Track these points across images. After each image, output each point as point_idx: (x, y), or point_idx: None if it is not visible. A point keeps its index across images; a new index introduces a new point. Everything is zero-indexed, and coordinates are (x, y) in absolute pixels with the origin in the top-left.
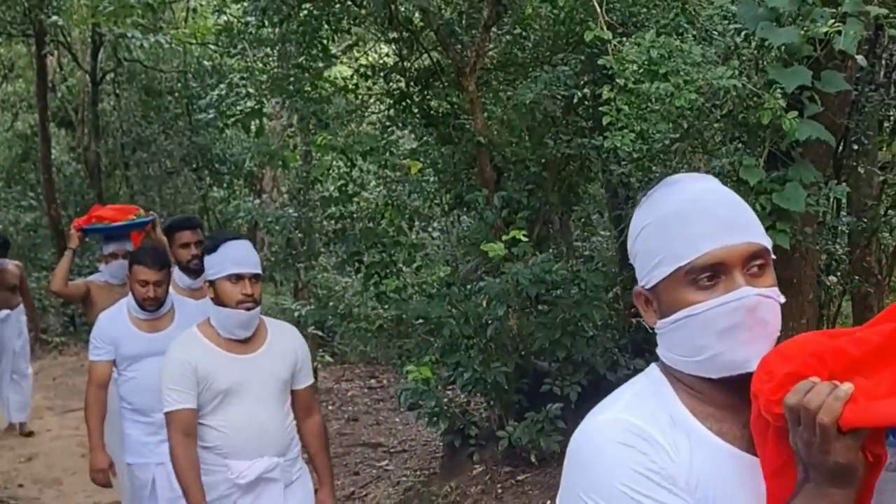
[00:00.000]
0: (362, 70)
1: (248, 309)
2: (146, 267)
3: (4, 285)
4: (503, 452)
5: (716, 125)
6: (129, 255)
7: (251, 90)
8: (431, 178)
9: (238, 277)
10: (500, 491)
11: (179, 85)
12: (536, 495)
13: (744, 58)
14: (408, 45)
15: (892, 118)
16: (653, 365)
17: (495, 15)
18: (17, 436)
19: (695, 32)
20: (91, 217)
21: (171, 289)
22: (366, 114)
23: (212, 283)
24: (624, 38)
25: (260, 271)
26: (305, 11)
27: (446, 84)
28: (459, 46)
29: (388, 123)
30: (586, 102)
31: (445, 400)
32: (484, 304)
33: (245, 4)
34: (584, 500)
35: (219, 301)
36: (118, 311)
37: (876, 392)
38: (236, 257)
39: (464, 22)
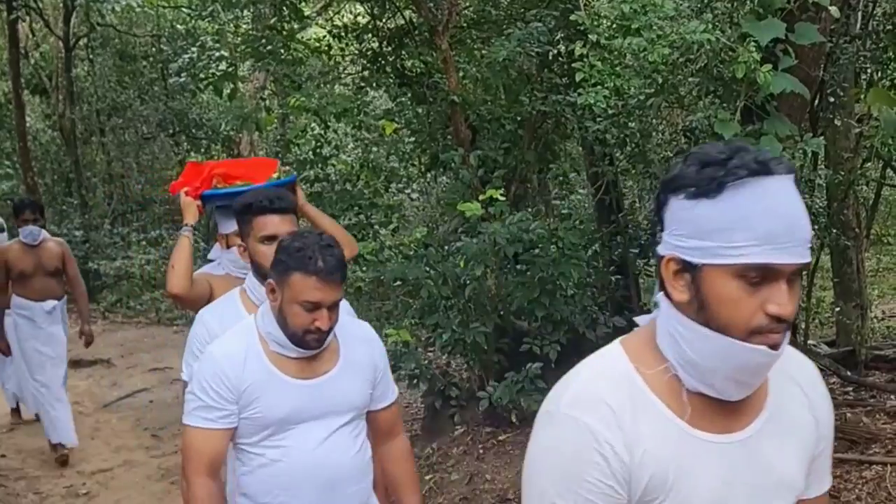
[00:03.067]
0: (335, 31)
1: (774, 346)
2: (321, 279)
3: (44, 269)
4: (484, 413)
5: (690, 80)
6: (280, 248)
7: (224, 53)
8: (407, 139)
9: (771, 275)
10: (481, 451)
11: (154, 49)
12: (518, 455)
13: (717, 11)
14: (380, 3)
15: (868, 70)
16: None
17: None
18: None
19: None
20: (210, 176)
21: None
22: (340, 75)
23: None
24: None
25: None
26: None
27: (419, 43)
28: (432, 4)
29: (362, 84)
30: (561, 59)
31: (425, 362)
32: (462, 264)
33: None
34: None
35: (714, 317)
36: (245, 338)
37: None
38: (775, 225)
39: None
